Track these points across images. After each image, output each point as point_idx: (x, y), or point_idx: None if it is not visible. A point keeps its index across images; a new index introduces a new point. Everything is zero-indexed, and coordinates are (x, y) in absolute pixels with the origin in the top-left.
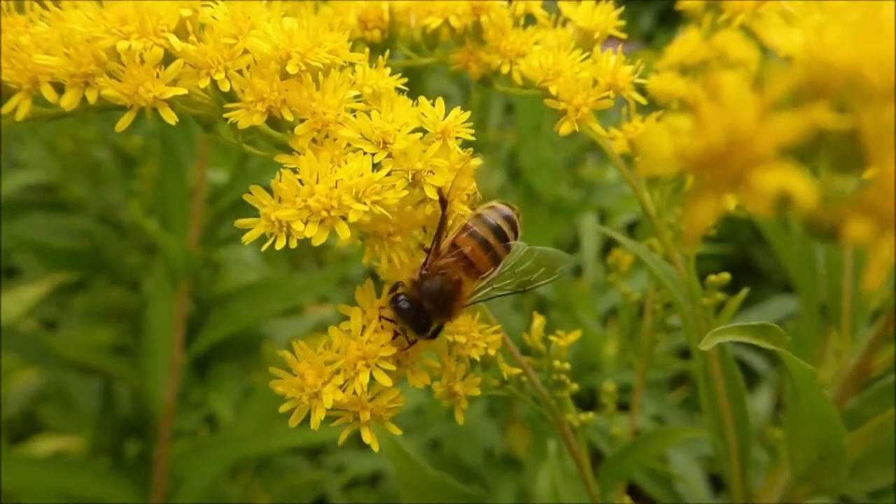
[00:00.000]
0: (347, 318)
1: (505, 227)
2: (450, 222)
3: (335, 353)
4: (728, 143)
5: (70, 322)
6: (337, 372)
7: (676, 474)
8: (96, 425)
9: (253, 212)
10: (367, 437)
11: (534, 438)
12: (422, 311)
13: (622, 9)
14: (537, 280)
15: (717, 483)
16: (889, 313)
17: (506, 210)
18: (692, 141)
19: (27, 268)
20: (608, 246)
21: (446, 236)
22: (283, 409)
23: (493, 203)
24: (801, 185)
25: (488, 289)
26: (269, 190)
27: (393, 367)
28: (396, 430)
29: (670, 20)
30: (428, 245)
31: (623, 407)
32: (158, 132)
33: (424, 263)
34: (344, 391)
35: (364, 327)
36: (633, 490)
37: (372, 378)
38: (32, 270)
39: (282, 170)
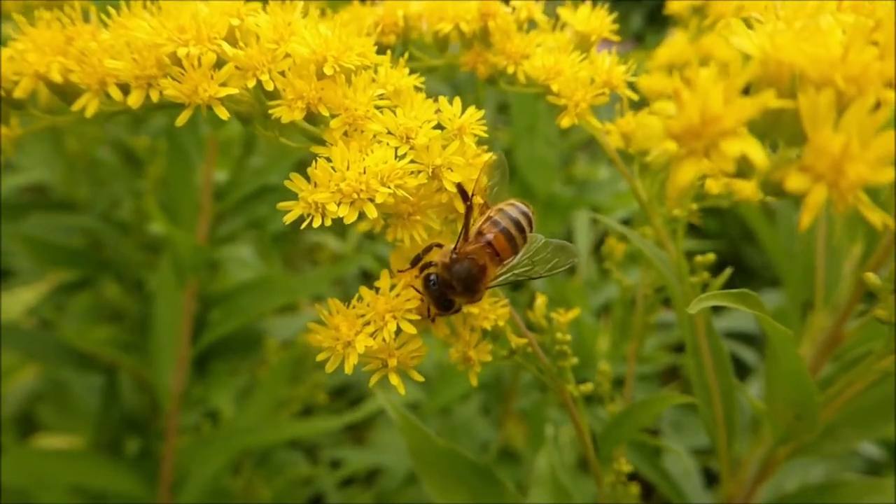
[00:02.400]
0: None
1: (523, 221)
2: (474, 213)
3: (366, 307)
4: (702, 120)
5: (68, 322)
6: (367, 323)
7: (670, 447)
8: (98, 422)
9: (253, 210)
10: (394, 379)
11: (530, 431)
12: (448, 291)
13: (614, 10)
14: (552, 269)
15: (710, 478)
16: (857, 286)
17: (523, 207)
18: (675, 120)
19: (22, 269)
20: (601, 244)
21: (473, 225)
22: (319, 357)
23: (512, 201)
24: (756, 151)
25: (509, 274)
26: (276, 189)
27: (417, 317)
28: (419, 377)
29: (660, 20)
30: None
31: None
32: (166, 131)
33: (455, 248)
34: (374, 339)
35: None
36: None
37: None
38: (28, 272)
39: (317, 159)
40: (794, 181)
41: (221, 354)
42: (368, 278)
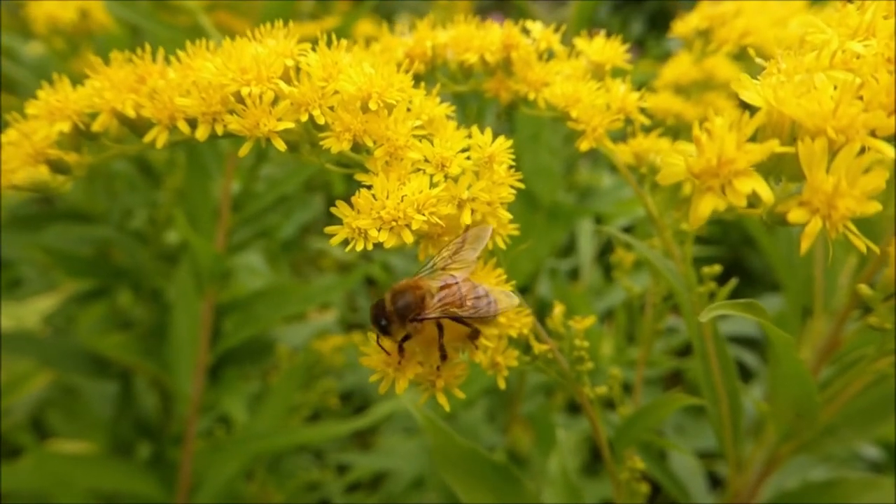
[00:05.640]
0: (347, 323)
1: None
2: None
3: None
4: (719, 162)
5: (81, 330)
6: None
7: (678, 447)
8: (111, 427)
9: (266, 219)
10: (441, 399)
11: (536, 435)
12: (385, 316)
13: (615, 16)
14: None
15: (713, 481)
16: (853, 294)
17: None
18: (696, 161)
19: (30, 278)
20: (604, 250)
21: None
22: (372, 379)
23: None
24: (764, 189)
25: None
26: (285, 199)
27: (460, 345)
28: (461, 394)
29: (660, 25)
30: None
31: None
32: (184, 144)
33: (410, 280)
34: (422, 366)
35: None
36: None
37: None
38: (35, 281)
39: (360, 188)
40: (795, 214)
41: (234, 361)
42: (373, 285)
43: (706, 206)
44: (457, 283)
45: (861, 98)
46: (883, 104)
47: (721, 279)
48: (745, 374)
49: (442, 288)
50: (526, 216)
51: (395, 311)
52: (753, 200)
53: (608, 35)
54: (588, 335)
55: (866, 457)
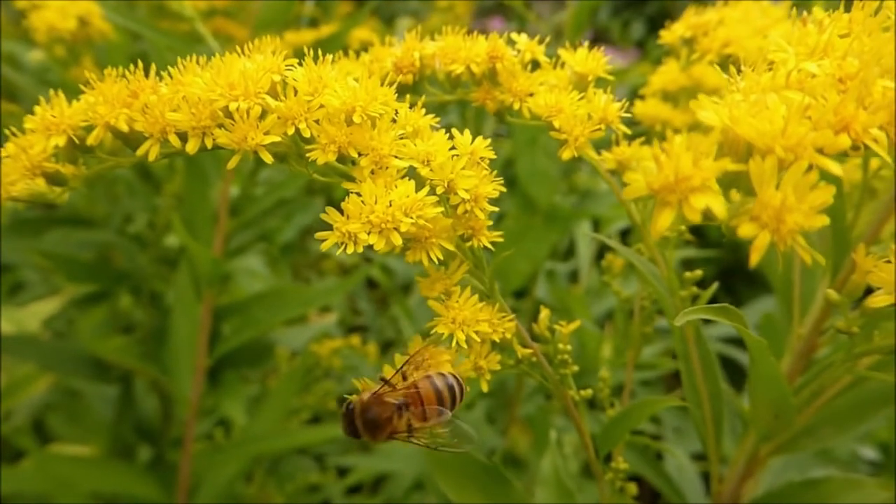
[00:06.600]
0: (347, 326)
1: (456, 392)
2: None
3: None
4: (676, 178)
5: (82, 334)
6: None
7: (668, 448)
8: (112, 430)
9: (265, 223)
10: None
11: (534, 437)
12: (354, 424)
13: (616, 18)
14: (444, 446)
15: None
16: (826, 302)
17: (459, 381)
18: (655, 177)
19: (31, 282)
20: (603, 252)
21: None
22: None
23: (449, 373)
24: (717, 204)
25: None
26: (288, 202)
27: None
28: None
29: (661, 26)
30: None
31: None
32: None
33: (377, 391)
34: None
35: None
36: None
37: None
38: (37, 284)
39: (349, 194)
40: (745, 229)
41: (234, 364)
42: (373, 286)
43: (664, 220)
44: (418, 392)
45: (809, 118)
46: (830, 123)
47: (722, 281)
48: (743, 375)
49: (406, 404)
50: (523, 219)
51: (363, 426)
52: (710, 216)
53: (608, 37)
54: (588, 338)
55: (867, 458)
